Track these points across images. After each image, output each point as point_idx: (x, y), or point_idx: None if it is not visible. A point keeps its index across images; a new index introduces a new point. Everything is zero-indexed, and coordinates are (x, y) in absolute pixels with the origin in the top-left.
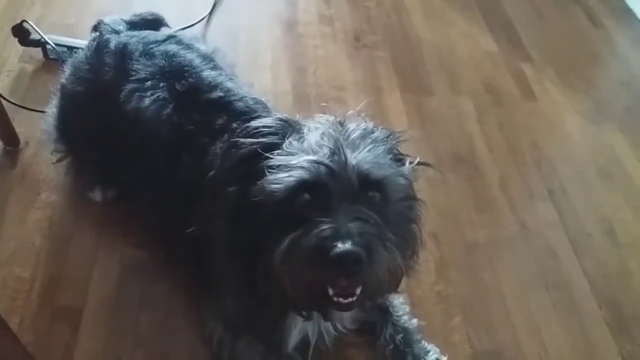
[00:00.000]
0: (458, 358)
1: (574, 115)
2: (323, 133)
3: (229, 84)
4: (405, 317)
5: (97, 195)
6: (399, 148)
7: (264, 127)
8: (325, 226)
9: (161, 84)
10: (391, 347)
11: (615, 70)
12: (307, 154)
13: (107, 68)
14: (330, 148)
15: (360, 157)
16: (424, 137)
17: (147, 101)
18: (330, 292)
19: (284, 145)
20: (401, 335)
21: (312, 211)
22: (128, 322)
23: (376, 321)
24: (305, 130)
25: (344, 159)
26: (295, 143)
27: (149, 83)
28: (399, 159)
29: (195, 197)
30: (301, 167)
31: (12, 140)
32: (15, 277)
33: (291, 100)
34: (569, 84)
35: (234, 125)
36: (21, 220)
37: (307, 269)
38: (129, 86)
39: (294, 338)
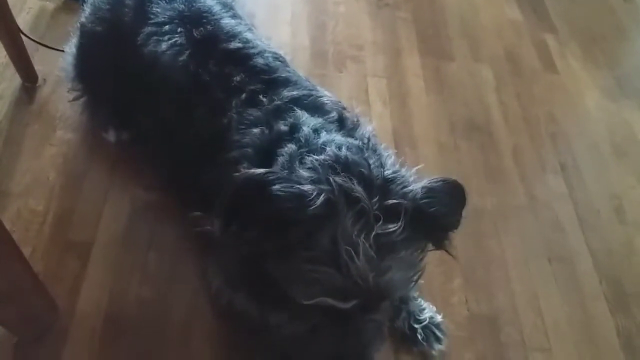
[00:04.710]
0: (454, 319)
1: (594, 90)
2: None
3: (248, 35)
4: None
5: (111, 136)
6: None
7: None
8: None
9: (179, 29)
10: None
11: None
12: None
13: (126, 9)
14: (356, 267)
15: (387, 278)
16: (441, 102)
17: (164, 46)
18: None
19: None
20: None
21: (326, 312)
22: (136, 260)
23: None
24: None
25: (369, 282)
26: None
27: (166, 27)
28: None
29: (207, 150)
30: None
31: (31, 76)
32: (30, 209)
33: (309, 56)
34: (592, 58)
35: (252, 87)
36: (37, 155)
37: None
38: (147, 29)
39: None
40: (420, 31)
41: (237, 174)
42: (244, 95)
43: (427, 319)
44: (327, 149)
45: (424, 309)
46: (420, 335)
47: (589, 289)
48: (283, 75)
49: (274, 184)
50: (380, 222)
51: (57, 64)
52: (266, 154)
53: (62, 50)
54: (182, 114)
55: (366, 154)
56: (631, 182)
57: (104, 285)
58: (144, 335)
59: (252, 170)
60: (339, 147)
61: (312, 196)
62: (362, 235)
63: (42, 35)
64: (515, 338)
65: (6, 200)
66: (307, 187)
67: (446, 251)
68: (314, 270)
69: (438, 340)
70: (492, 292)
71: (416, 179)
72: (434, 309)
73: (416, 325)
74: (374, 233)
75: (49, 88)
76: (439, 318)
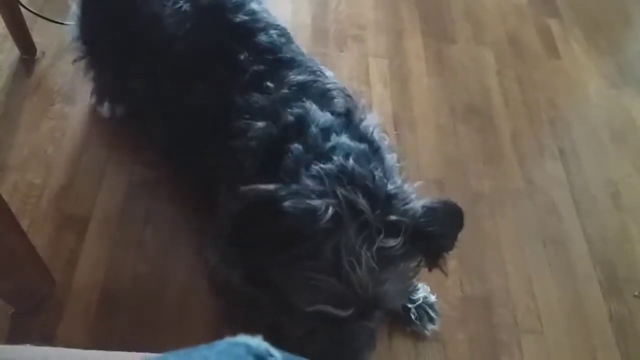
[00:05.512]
0: (448, 300)
1: (596, 77)
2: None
3: (254, 6)
4: None
5: (105, 111)
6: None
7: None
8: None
9: None
10: None
11: None
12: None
13: None
14: (357, 277)
15: (385, 289)
16: (441, 84)
17: (167, 11)
18: None
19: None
20: None
21: (324, 316)
22: (132, 236)
23: None
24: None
25: (368, 292)
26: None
27: None
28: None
29: (207, 130)
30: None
31: (29, 49)
32: (27, 183)
33: (310, 34)
34: (595, 44)
35: (256, 68)
36: (35, 128)
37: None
38: None
39: None
40: (423, 12)
41: (245, 188)
42: (247, 76)
43: (421, 299)
44: (335, 158)
45: (418, 289)
46: (414, 315)
47: (583, 273)
48: (288, 55)
49: (285, 200)
50: (382, 236)
51: (56, 37)
52: (271, 149)
53: (61, 23)
54: (181, 87)
55: (372, 165)
56: (628, 169)
57: (100, 260)
58: (139, 310)
59: (262, 187)
60: (347, 156)
61: (322, 210)
62: (365, 247)
63: (41, 8)
64: (507, 320)
65: (3, 174)
66: (317, 202)
67: (440, 269)
68: (316, 279)
69: (431, 320)
70: (486, 275)
71: (417, 196)
72: (428, 289)
73: (410, 305)
74: (375, 246)
75: (47, 61)
76: (432, 298)
